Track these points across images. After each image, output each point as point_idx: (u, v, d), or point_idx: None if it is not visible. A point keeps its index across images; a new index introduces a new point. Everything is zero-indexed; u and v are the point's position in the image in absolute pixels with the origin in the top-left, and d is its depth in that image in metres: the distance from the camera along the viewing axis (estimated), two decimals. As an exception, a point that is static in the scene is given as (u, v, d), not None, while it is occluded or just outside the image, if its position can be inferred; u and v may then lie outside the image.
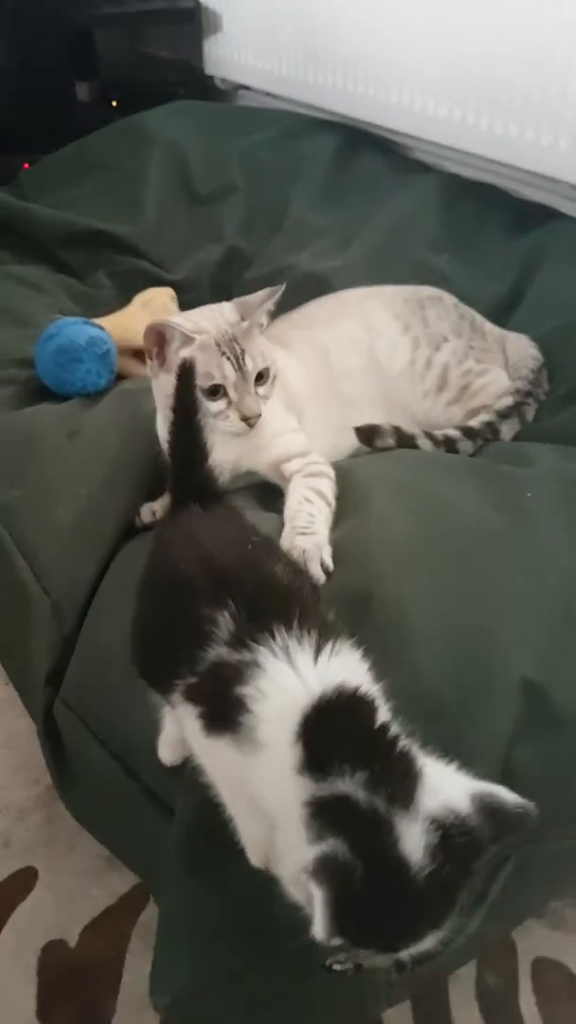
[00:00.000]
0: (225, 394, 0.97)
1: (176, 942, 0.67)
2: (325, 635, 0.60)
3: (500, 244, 1.54)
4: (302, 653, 0.58)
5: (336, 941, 0.50)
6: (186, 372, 0.78)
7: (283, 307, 1.18)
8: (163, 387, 0.99)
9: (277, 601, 0.61)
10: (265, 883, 0.59)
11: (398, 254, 1.50)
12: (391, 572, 0.81)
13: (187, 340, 0.96)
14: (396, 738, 0.57)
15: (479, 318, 1.27)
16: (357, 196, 1.69)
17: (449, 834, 0.53)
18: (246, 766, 0.57)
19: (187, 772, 0.67)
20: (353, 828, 0.52)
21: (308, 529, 0.90)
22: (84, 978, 0.78)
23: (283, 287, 1.05)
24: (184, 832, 0.68)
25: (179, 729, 0.68)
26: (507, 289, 1.44)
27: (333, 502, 0.99)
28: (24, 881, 0.85)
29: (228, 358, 0.97)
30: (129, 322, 1.44)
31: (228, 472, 1.07)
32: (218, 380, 0.96)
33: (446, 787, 0.55)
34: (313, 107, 2.01)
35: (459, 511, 0.90)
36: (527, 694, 0.72)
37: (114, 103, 2.31)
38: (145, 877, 0.81)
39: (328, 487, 1.00)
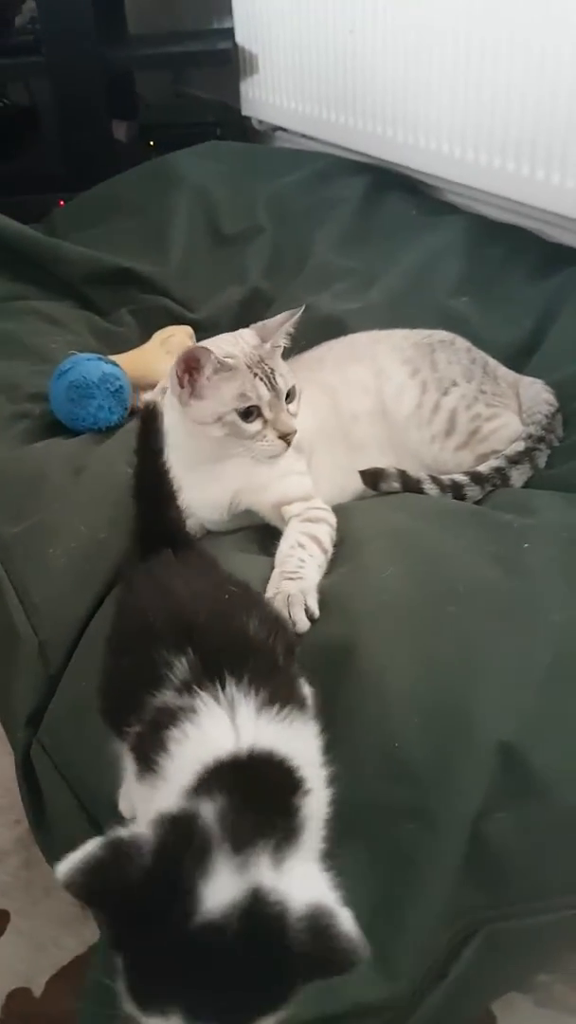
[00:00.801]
0: (260, 415, 0.99)
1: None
2: (282, 698, 0.58)
3: (523, 287, 1.52)
4: (245, 707, 0.57)
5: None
6: (149, 415, 0.78)
7: (297, 347, 1.19)
8: (194, 415, 1.00)
9: (238, 652, 0.60)
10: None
11: (418, 297, 1.50)
12: (375, 626, 0.79)
13: (222, 366, 0.97)
14: (295, 812, 0.54)
15: (492, 362, 1.25)
16: (382, 238, 1.69)
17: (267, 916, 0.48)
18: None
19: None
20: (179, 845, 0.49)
21: (296, 574, 0.88)
22: (46, 1030, 0.76)
23: (302, 309, 1.08)
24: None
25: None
26: (527, 333, 1.41)
27: (330, 549, 0.97)
28: (-4, 924, 0.83)
29: (260, 378, 0.99)
30: (146, 359, 1.46)
31: (225, 511, 1.07)
32: (254, 401, 0.98)
33: (303, 884, 0.51)
34: (346, 149, 2.03)
35: (452, 563, 0.87)
36: (504, 759, 0.69)
37: (152, 143, 2.37)
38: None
39: (326, 533, 0.99)
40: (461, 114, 1.66)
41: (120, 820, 0.67)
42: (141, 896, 0.48)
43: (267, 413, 0.99)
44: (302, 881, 0.51)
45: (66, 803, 0.75)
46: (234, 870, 0.49)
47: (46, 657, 0.92)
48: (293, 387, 1.02)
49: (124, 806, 0.69)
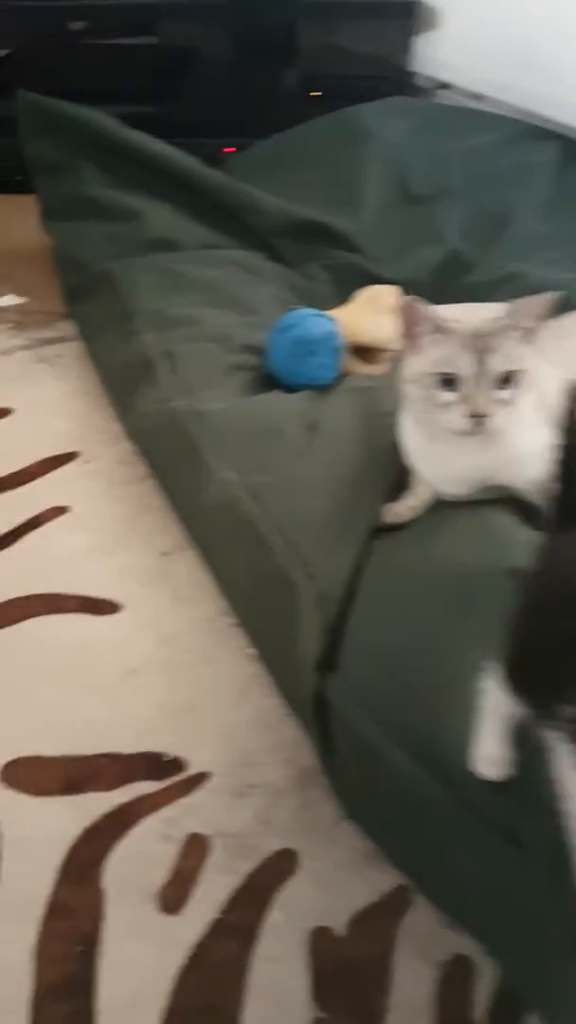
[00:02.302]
0: (458, 389, 0.94)
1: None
2: None
3: None
4: None
5: None
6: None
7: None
8: (406, 368, 0.98)
9: None
10: None
11: None
12: None
13: (437, 328, 0.94)
14: None
15: None
16: (583, 209, 1.65)
17: None
18: None
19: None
20: None
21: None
22: (355, 970, 0.78)
23: (558, 294, 1.02)
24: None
25: (506, 745, 0.68)
26: None
27: None
28: (287, 862, 0.86)
29: (471, 352, 0.93)
30: (354, 318, 1.45)
31: (473, 482, 1.06)
32: (453, 371, 0.93)
33: None
34: (525, 112, 1.98)
35: None
36: None
37: (313, 94, 2.32)
38: (418, 879, 0.81)
39: None
40: None
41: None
42: None
43: (465, 388, 0.93)
44: None
45: (390, 756, 0.76)
46: None
47: (324, 607, 0.94)
48: (514, 373, 0.95)
49: (485, 767, 0.69)
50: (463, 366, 0.93)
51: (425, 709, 0.77)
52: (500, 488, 1.06)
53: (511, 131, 1.88)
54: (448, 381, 0.94)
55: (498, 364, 0.94)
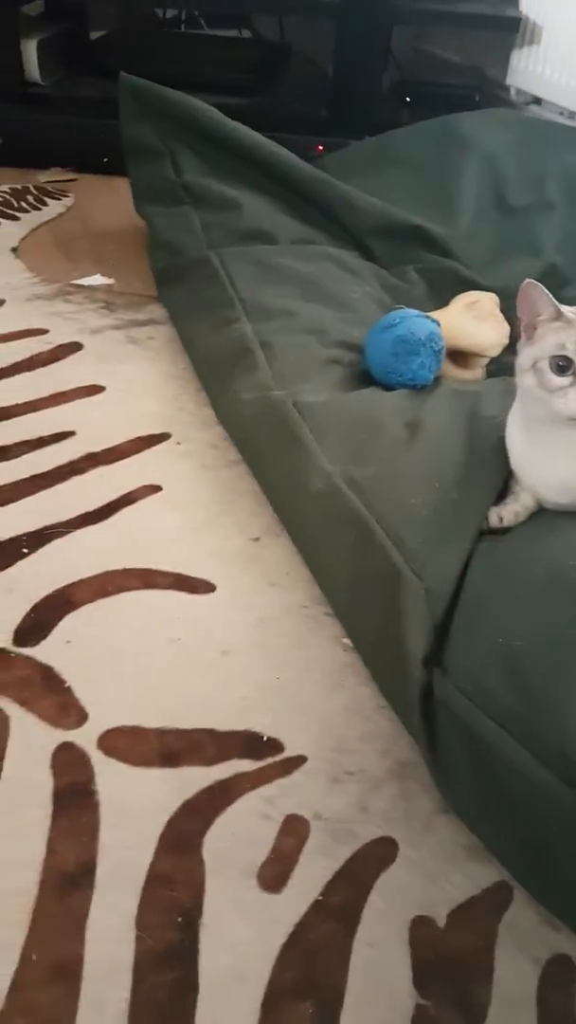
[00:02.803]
0: (573, 375, 0.95)
1: None
2: None
3: None
4: None
5: None
6: None
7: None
8: (521, 362, 0.99)
9: None
10: None
11: None
12: None
13: (557, 313, 0.96)
14: None
15: None
16: None
17: None
18: None
19: None
20: None
21: None
22: (456, 961, 0.79)
23: None
24: None
25: None
26: None
27: None
28: (386, 850, 0.86)
29: None
30: (453, 322, 1.46)
31: (574, 491, 1.06)
32: (570, 355, 0.94)
33: None
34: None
35: None
36: None
37: (408, 99, 2.34)
38: (524, 876, 0.82)
39: None
40: None
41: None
42: None
43: None
44: None
45: (512, 757, 0.76)
46: None
47: (432, 604, 0.94)
48: None
49: None
50: None
51: (549, 707, 0.78)
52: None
53: (610, 150, 1.89)
54: (563, 367, 0.95)
55: None
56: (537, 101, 2.33)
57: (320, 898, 0.82)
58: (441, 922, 0.81)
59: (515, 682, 0.82)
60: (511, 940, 0.80)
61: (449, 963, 0.79)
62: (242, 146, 1.80)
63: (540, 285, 0.97)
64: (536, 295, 0.98)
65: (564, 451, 1.03)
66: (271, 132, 1.99)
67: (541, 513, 1.09)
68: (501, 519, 1.07)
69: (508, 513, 1.08)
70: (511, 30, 2.12)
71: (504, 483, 1.12)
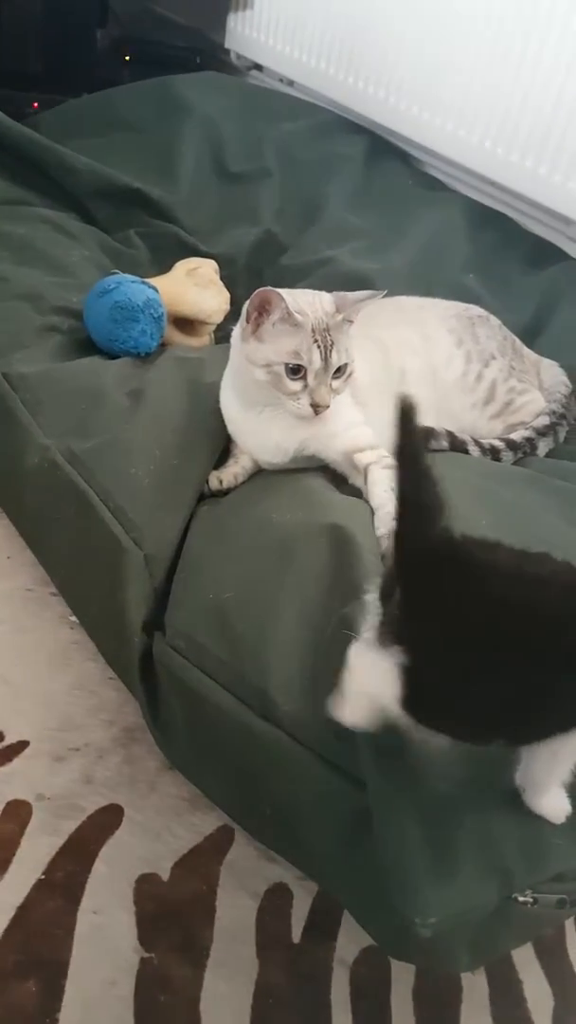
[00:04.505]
0: (304, 378, 1.02)
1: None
2: None
3: (519, 275, 1.66)
4: None
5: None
6: (406, 411, 0.67)
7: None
8: (249, 353, 1.03)
9: None
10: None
11: (433, 268, 1.59)
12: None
13: (290, 318, 1.00)
14: None
15: (518, 342, 1.38)
16: (388, 203, 1.76)
17: None
18: None
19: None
20: None
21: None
22: (178, 910, 0.82)
23: (383, 292, 1.09)
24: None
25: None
26: (528, 318, 1.56)
27: None
28: (111, 817, 0.88)
29: (319, 347, 1.01)
30: (176, 289, 1.46)
31: (289, 454, 1.13)
32: (304, 363, 1.01)
33: None
34: (333, 103, 2.07)
35: (536, 519, 1.00)
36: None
37: (127, 58, 2.28)
38: (240, 816, 0.86)
39: None
40: (475, 96, 1.75)
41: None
42: None
43: (311, 380, 1.01)
44: None
45: (219, 701, 0.80)
46: None
47: (151, 570, 0.96)
48: (346, 366, 1.04)
49: (347, 714, 0.67)
50: (314, 360, 1.00)
51: (252, 656, 0.82)
52: (312, 458, 1.14)
53: (323, 120, 1.97)
54: (296, 370, 1.01)
55: (337, 358, 1.02)
56: (259, 67, 2.37)
57: (43, 877, 0.82)
58: (165, 876, 0.84)
59: (224, 633, 0.85)
60: (232, 879, 0.85)
61: (172, 912, 0.82)
62: None
63: (277, 291, 0.98)
64: (275, 301, 0.99)
65: (277, 417, 1.08)
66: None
67: (260, 474, 1.13)
68: (221, 482, 1.11)
69: (228, 476, 1.12)
70: (223, -10, 2.13)
71: (225, 447, 1.15)
